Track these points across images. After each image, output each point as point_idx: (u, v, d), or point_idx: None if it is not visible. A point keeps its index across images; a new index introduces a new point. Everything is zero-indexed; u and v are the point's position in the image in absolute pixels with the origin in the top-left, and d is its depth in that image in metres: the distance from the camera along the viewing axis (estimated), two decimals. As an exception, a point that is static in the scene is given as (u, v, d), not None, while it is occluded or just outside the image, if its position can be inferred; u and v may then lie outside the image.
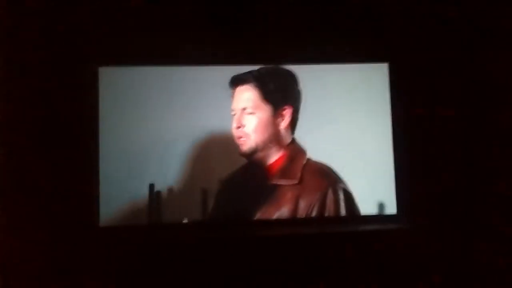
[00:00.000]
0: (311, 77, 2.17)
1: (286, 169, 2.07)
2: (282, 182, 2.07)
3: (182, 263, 2.06)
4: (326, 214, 2.06)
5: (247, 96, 2.07)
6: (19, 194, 2.05)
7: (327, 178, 2.06)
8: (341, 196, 2.05)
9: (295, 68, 2.17)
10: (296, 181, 2.05)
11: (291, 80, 2.13)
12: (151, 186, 2.12)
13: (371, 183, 2.15)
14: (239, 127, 2.07)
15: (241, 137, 2.07)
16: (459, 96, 2.21)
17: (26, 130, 2.08)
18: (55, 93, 2.12)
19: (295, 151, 2.09)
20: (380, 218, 2.14)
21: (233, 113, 2.11)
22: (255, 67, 2.15)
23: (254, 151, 2.08)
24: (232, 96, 2.12)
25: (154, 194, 2.11)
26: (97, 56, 2.16)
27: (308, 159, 2.10)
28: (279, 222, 2.09)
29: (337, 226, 2.09)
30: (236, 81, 2.10)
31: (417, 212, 2.15)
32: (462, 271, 2.10)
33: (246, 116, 2.08)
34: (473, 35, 2.18)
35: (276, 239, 2.06)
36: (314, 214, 2.05)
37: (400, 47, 2.23)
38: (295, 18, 2.21)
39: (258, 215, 2.09)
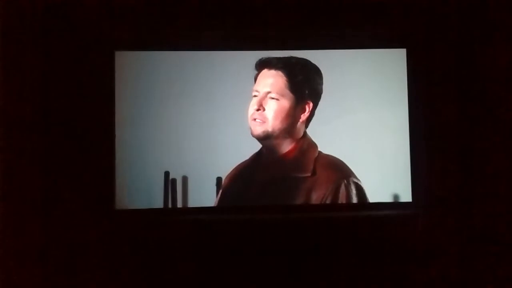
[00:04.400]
0: (325, 65, 2.14)
1: (298, 162, 2.08)
2: (294, 174, 2.08)
3: (195, 247, 2.11)
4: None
5: (274, 81, 2.04)
6: (35, 178, 2.08)
7: (339, 172, 2.07)
8: (353, 190, 2.06)
9: (308, 54, 2.14)
10: (308, 174, 2.06)
11: (318, 77, 2.10)
12: (167, 174, 2.15)
13: (386, 174, 2.17)
14: (258, 109, 2.04)
15: (257, 119, 2.05)
16: (478, 85, 2.16)
17: (42, 115, 2.09)
18: (70, 78, 2.11)
19: (306, 144, 2.09)
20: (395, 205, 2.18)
21: (255, 94, 2.07)
22: (271, 53, 2.12)
23: (267, 136, 2.06)
24: (255, 77, 2.09)
25: (169, 181, 2.14)
26: (113, 40, 2.14)
27: (320, 152, 2.10)
28: (290, 207, 2.12)
29: (348, 213, 2.12)
30: (264, 64, 2.07)
31: (432, 204, 2.16)
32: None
33: (268, 100, 2.05)
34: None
35: (289, 223, 2.12)
36: (325, 207, 2.08)
37: (419, 32, 2.18)
38: (311, 3, 2.17)
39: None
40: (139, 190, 2.15)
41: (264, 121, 2.05)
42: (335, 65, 2.16)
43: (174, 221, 2.15)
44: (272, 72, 2.06)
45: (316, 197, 2.06)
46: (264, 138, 2.07)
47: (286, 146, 2.08)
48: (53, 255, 2.06)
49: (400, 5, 2.16)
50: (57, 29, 2.11)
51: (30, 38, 2.09)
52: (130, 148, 2.16)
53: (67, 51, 2.11)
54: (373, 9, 2.16)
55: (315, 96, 2.10)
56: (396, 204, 2.18)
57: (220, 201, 2.13)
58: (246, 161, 2.13)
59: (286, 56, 2.11)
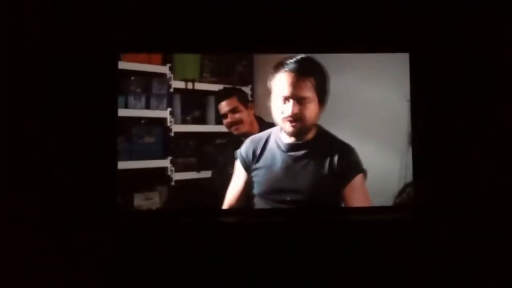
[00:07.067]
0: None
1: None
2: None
3: (196, 250, 2.10)
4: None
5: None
6: (36, 179, 2.07)
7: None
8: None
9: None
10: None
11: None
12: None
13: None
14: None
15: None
16: (481, 88, 2.21)
17: (43, 116, 2.09)
18: (74, 80, 2.11)
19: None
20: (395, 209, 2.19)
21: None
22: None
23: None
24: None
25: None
26: (117, 43, 2.14)
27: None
28: (288, 211, 2.12)
29: (353, 216, 2.14)
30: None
31: (432, 207, 2.19)
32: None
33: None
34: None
35: (287, 226, 2.13)
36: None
37: (422, 36, 2.23)
38: (315, 7, 2.21)
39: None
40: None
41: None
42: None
43: (175, 223, 2.14)
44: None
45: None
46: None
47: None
48: (53, 256, 2.03)
49: (404, 10, 2.23)
50: (60, 33, 2.12)
51: (31, 39, 2.10)
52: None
53: (69, 54, 2.12)
54: (376, 14, 2.23)
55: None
56: (396, 208, 2.19)
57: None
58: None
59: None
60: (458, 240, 2.16)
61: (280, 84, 2.05)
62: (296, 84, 2.04)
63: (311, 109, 2.04)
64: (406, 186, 2.20)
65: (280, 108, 2.05)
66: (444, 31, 2.23)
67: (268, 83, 2.07)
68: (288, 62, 2.05)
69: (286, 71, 2.04)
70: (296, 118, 2.04)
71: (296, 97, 2.03)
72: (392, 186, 2.19)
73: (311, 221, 2.14)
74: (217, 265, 2.09)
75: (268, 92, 2.08)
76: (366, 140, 2.15)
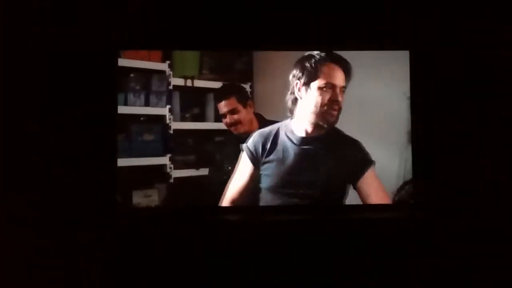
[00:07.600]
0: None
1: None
2: None
3: (197, 246, 2.11)
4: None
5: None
6: (36, 178, 2.07)
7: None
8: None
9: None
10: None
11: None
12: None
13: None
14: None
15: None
16: (481, 88, 2.22)
17: (43, 115, 2.09)
18: (74, 80, 2.11)
19: None
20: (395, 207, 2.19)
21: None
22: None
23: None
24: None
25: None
26: (117, 42, 2.14)
27: None
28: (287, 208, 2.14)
29: (348, 214, 2.16)
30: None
31: (434, 204, 2.19)
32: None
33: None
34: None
35: (286, 224, 2.14)
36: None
37: (422, 36, 2.24)
38: (315, 7, 2.22)
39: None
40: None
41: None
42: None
43: (175, 222, 2.14)
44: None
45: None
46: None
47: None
48: (53, 256, 2.04)
49: (404, 8, 2.23)
50: (60, 30, 2.12)
51: (31, 39, 2.10)
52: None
53: (70, 51, 2.12)
54: (376, 14, 2.23)
55: None
56: (396, 206, 2.18)
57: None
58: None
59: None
60: (458, 240, 2.16)
61: (325, 73, 2.08)
62: (340, 74, 2.08)
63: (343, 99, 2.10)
64: (405, 183, 2.19)
65: (323, 97, 2.07)
66: (444, 31, 2.23)
67: (302, 76, 2.09)
68: (322, 54, 2.10)
69: (327, 61, 2.08)
70: (339, 107, 2.08)
71: (340, 85, 2.07)
72: (391, 183, 2.18)
73: (310, 220, 2.14)
74: (217, 264, 2.09)
75: (303, 82, 2.09)
76: (365, 137, 2.14)
